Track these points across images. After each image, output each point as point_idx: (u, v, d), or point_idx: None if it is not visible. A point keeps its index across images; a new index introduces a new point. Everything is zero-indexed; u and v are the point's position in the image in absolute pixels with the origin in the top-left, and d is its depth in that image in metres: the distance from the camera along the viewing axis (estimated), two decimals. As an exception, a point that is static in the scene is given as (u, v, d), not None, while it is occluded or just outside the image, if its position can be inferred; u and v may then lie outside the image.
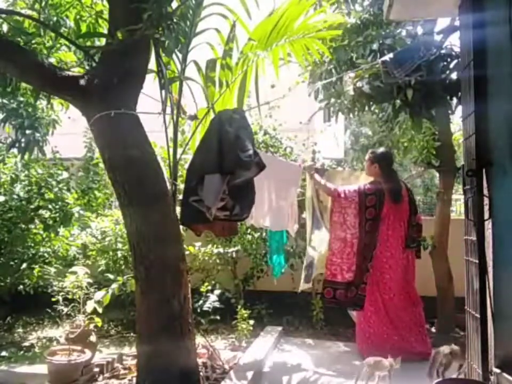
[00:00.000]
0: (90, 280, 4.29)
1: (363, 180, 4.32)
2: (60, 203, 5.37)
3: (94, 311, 3.88)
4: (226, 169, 2.83)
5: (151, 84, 3.49)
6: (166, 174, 3.41)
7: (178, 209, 3.29)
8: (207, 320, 5.04)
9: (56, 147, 6.09)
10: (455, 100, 4.46)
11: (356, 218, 3.88)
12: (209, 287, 5.04)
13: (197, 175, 2.94)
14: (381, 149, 4.53)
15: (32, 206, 5.30)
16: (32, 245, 5.43)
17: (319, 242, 4.24)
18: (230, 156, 2.84)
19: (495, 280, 2.52)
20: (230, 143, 2.87)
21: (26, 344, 4.96)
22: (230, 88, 3.50)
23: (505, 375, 2.37)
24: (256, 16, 3.40)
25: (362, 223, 3.88)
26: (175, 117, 3.45)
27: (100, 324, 4.06)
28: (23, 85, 4.19)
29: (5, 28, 3.78)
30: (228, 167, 2.83)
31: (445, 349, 3.15)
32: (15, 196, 5.28)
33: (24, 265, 5.33)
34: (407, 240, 4.08)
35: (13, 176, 5.47)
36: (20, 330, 5.53)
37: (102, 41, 3.73)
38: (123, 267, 5.23)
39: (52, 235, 5.43)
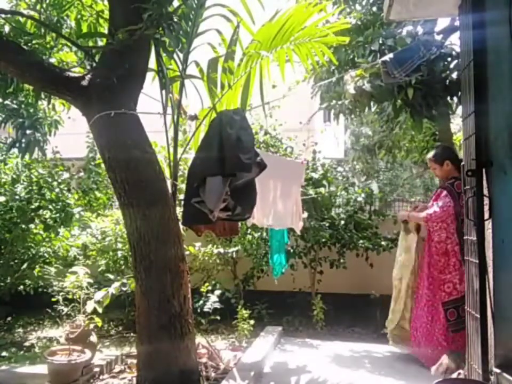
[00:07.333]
0: (90, 280, 4.30)
1: None
2: (60, 203, 5.38)
3: (94, 311, 3.88)
4: (228, 172, 2.83)
5: (152, 84, 3.49)
6: (166, 174, 3.41)
7: (178, 209, 3.28)
8: (207, 320, 5.04)
9: (57, 147, 6.09)
10: (455, 100, 4.47)
11: (453, 223, 3.55)
12: (210, 287, 5.04)
13: (199, 177, 2.93)
14: (438, 148, 4.19)
15: (32, 206, 5.30)
16: (33, 245, 5.43)
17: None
18: (231, 158, 2.82)
19: (495, 280, 2.52)
20: (231, 145, 2.85)
21: (27, 344, 4.96)
22: (233, 89, 3.50)
23: (505, 375, 2.37)
24: (257, 16, 3.39)
25: (458, 225, 3.50)
26: (175, 117, 3.45)
27: (100, 324, 4.06)
28: (25, 85, 4.19)
29: (6, 28, 3.78)
30: (229, 170, 2.83)
31: None
32: (16, 196, 5.28)
33: (25, 265, 5.34)
34: None
35: (14, 176, 5.47)
36: (20, 330, 5.53)
37: (104, 41, 3.73)
38: (123, 267, 5.23)
39: (52, 235, 5.44)
